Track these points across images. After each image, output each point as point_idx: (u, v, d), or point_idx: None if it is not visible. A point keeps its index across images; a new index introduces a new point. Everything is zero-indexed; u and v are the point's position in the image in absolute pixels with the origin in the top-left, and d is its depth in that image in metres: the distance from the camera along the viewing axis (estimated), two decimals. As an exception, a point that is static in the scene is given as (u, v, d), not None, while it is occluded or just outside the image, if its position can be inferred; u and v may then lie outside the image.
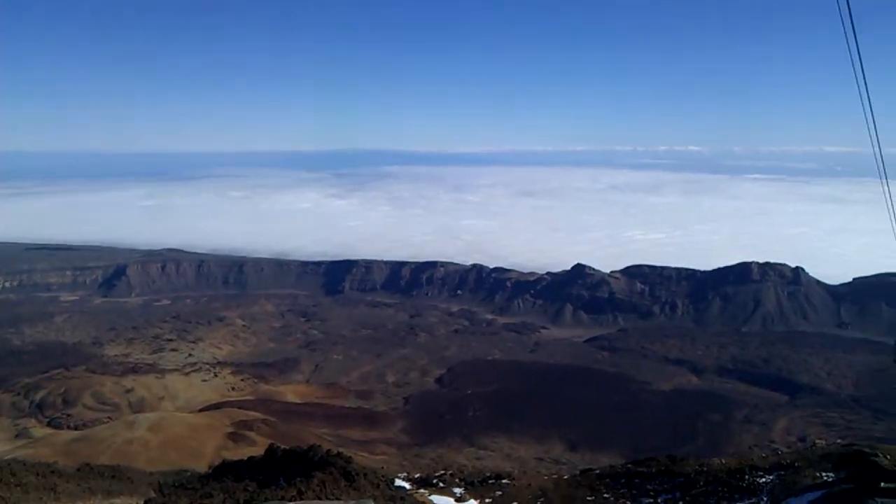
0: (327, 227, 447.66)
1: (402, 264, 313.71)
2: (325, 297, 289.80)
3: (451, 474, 55.15)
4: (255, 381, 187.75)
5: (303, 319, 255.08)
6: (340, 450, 46.63)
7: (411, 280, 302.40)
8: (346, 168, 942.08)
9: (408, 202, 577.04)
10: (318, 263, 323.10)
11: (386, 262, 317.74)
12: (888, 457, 44.78)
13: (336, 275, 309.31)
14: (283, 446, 45.70)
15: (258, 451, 52.25)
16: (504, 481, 51.89)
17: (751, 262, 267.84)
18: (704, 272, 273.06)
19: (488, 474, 55.70)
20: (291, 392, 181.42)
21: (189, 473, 52.22)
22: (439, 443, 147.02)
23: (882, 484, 40.21)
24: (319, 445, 44.02)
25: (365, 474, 39.86)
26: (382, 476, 43.73)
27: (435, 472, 58.71)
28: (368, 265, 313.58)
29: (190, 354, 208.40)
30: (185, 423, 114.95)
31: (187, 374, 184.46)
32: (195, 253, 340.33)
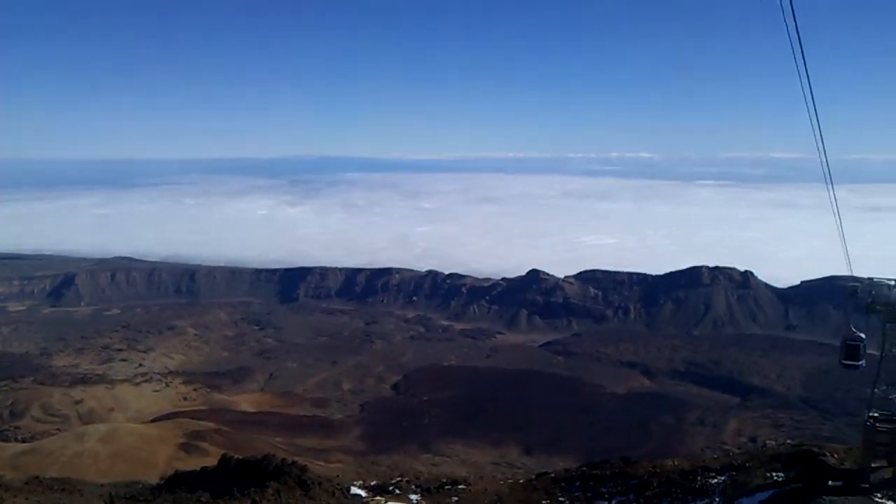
0: (282, 235, 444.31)
1: (357, 271, 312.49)
2: (280, 305, 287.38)
3: (407, 481, 55.13)
4: (208, 390, 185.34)
5: (256, 328, 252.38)
6: (295, 459, 46.36)
7: (367, 287, 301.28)
8: (301, 175, 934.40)
9: (364, 209, 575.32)
10: (273, 271, 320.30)
11: (341, 269, 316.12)
12: (836, 456, 46.02)
13: (290, 282, 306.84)
14: (236, 456, 45.38)
15: (211, 461, 51.68)
16: (460, 487, 52.04)
17: (701, 267, 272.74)
18: (656, 277, 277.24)
19: (444, 480, 55.79)
20: (245, 401, 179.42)
21: (141, 485, 51.41)
22: (395, 450, 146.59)
23: (830, 482, 41.29)
24: (274, 455, 43.76)
25: (320, 483, 39.72)
26: (338, 484, 43.56)
27: (391, 479, 58.60)
28: (323, 272, 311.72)
29: (141, 364, 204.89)
30: (137, 435, 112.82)
31: (138, 384, 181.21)
32: (146, 261, 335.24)
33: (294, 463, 41.27)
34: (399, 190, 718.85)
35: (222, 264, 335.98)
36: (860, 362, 38.11)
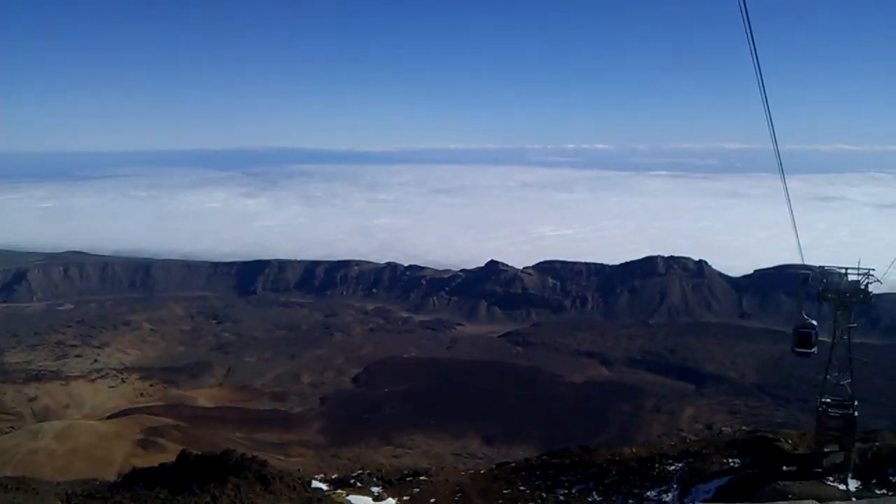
0: (238, 227, 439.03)
1: (315, 264, 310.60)
2: (237, 299, 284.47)
3: (368, 473, 55.20)
4: (165, 386, 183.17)
5: (214, 322, 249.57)
6: (255, 453, 46.08)
7: (325, 279, 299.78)
8: (257, 167, 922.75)
9: (321, 201, 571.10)
10: (230, 264, 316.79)
11: (299, 262, 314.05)
12: (790, 441, 47.07)
13: (248, 275, 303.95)
14: (195, 452, 44.91)
15: (170, 457, 51.12)
16: (422, 478, 52.22)
17: (656, 256, 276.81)
18: (612, 266, 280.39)
19: (406, 472, 55.98)
20: (203, 396, 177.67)
21: (98, 483, 50.64)
22: (356, 442, 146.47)
23: (784, 468, 42.21)
24: (233, 450, 43.42)
25: (281, 477, 39.54)
26: (299, 478, 43.41)
27: (352, 472, 58.69)
28: (281, 265, 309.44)
29: (95, 360, 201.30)
30: (93, 431, 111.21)
31: (93, 380, 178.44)
32: (99, 255, 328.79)
33: (254, 458, 41.03)
34: (356, 181, 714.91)
35: (177, 258, 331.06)
36: (812, 350, 38.72)
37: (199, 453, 44.08)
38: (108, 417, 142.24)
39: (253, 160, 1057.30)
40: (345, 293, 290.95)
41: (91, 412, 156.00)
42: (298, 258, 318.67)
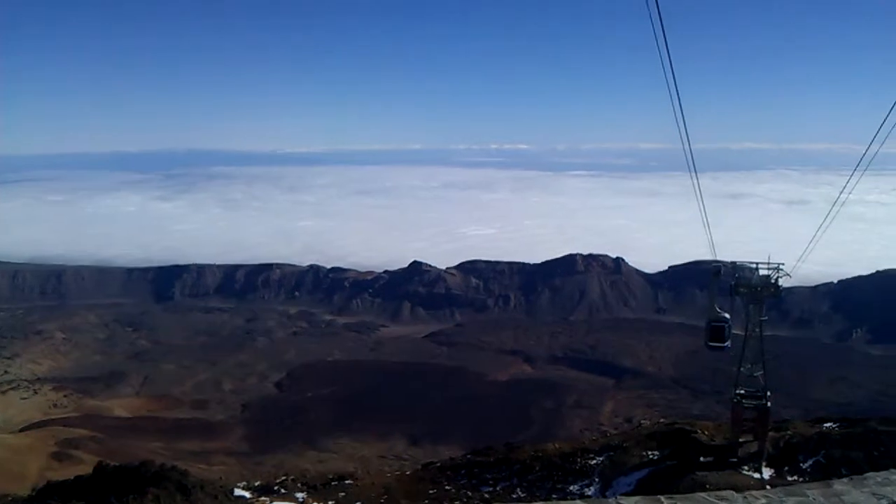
0: (154, 232, 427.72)
1: (236, 267, 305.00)
2: (154, 305, 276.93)
3: (292, 479, 54.70)
4: (80, 396, 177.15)
5: (130, 329, 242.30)
6: (175, 463, 45.13)
7: (246, 283, 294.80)
8: (173, 169, 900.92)
9: (241, 203, 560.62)
10: (146, 270, 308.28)
11: (219, 266, 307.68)
12: (706, 433, 48.53)
13: (165, 281, 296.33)
14: (113, 463, 43.74)
15: (86, 470, 49.61)
16: (347, 482, 52.01)
17: (576, 254, 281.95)
18: (534, 265, 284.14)
19: (331, 476, 55.64)
20: (120, 406, 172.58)
21: (10, 498, 48.69)
22: (280, 448, 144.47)
23: (702, 458, 43.49)
24: (152, 460, 42.48)
25: (202, 487, 38.81)
26: (221, 487, 42.74)
27: (276, 478, 57.96)
28: (200, 270, 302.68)
29: (6, 371, 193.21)
30: (5, 445, 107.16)
31: (4, 392, 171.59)
32: (8, 262, 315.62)
33: (174, 467, 40.19)
34: (277, 183, 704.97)
35: (91, 264, 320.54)
36: (726, 343, 40.21)
37: (117, 465, 42.95)
38: (21, 430, 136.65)
39: (174, 162, 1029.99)
40: (266, 297, 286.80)
41: (2, 425, 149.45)
42: (218, 262, 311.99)
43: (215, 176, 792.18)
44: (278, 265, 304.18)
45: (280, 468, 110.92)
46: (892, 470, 8.75)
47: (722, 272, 41.16)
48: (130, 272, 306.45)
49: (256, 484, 53.45)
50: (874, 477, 8.45)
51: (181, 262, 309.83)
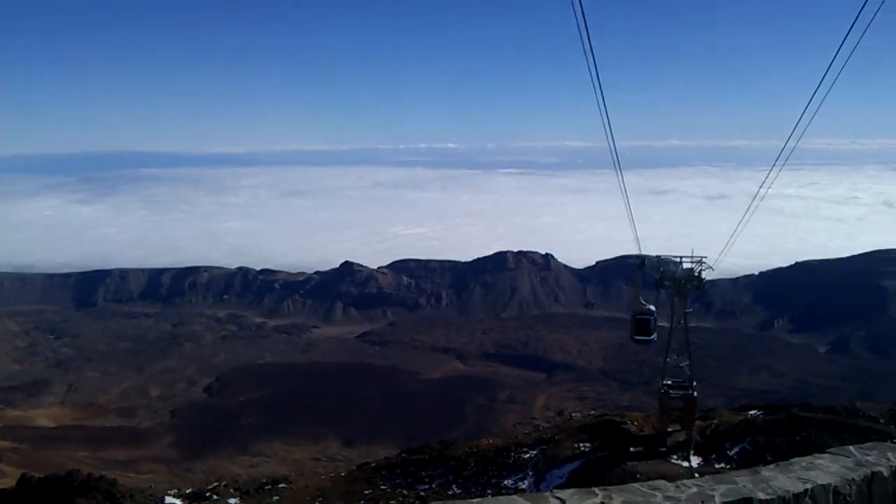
0: (75, 236, 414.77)
1: (161, 271, 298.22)
2: (76, 311, 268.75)
3: (224, 485, 53.86)
4: (1, 407, 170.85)
5: (52, 337, 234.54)
6: (103, 473, 44.02)
7: (172, 287, 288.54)
8: (94, 172, 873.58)
9: (166, 206, 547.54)
10: (67, 275, 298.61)
11: (143, 270, 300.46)
12: (635, 423, 49.52)
13: (87, 286, 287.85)
14: (37, 475, 42.51)
15: (9, 482, 48.17)
16: (281, 486, 51.45)
17: (506, 252, 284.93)
18: (465, 263, 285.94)
19: (264, 480, 54.99)
20: (43, 416, 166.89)
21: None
22: (211, 454, 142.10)
23: (632, 449, 44.36)
24: (78, 470, 41.34)
25: (131, 495, 37.96)
26: (151, 495, 41.87)
27: (208, 484, 57.01)
28: (124, 274, 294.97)
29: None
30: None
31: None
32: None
33: (101, 477, 39.21)
34: (203, 185, 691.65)
35: (9, 270, 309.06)
36: (651, 336, 41.23)
37: (42, 476, 41.75)
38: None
39: (96, 165, 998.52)
40: (194, 301, 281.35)
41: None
42: (142, 266, 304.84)
43: (138, 178, 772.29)
44: (205, 268, 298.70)
45: (211, 474, 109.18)
46: (816, 455, 9.09)
47: (646, 264, 42.03)
48: (51, 278, 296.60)
49: (188, 491, 52.47)
50: (799, 462, 8.77)
51: (104, 266, 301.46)
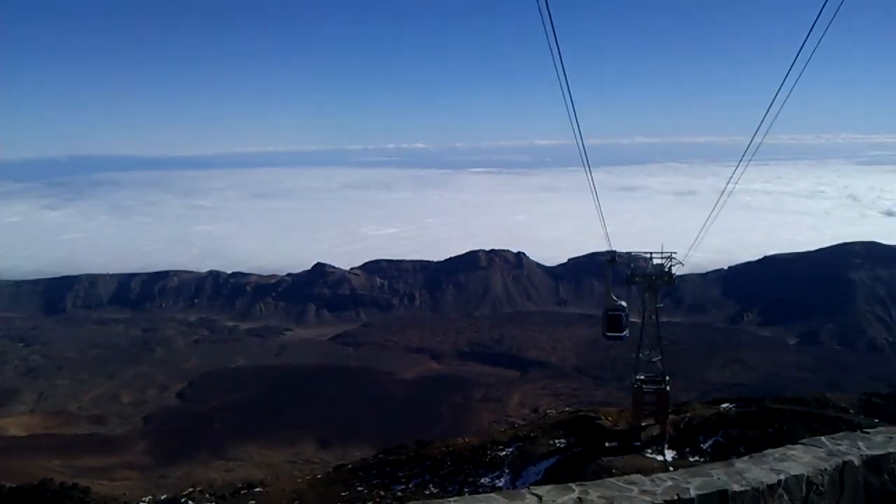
0: (43, 242, 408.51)
1: (131, 276, 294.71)
2: (45, 318, 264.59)
3: (200, 491, 53.52)
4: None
5: (21, 344, 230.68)
6: (76, 481, 43.57)
7: (142, 292, 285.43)
8: (59, 176, 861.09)
9: (133, 210, 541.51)
10: (34, 282, 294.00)
11: (113, 275, 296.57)
12: (610, 419, 49.90)
13: (56, 293, 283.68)
14: (9, 484, 41.93)
15: (-22, 495, 47.24)
16: (257, 489, 51.23)
17: (478, 251, 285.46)
18: (437, 263, 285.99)
19: (240, 485, 54.73)
20: (14, 425, 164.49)
21: None
22: (186, 460, 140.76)
23: (607, 444, 44.68)
24: (51, 479, 40.89)
25: (105, 503, 37.55)
26: (125, 502, 41.45)
27: (183, 490, 56.53)
28: (93, 280, 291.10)
29: None
30: None
31: None
32: None
33: (75, 485, 38.79)
34: (170, 188, 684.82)
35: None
36: (624, 333, 41.39)
37: (14, 485, 41.19)
38: None
39: (55, 170, 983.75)
40: (164, 305, 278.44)
41: None
42: (111, 271, 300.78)
43: (103, 182, 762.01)
44: (175, 272, 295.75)
45: (186, 480, 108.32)
46: (789, 446, 9.25)
47: (616, 259, 42.18)
48: (19, 285, 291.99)
49: (163, 497, 52.06)
50: (772, 454, 8.92)
51: (72, 272, 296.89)
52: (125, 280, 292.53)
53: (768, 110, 20.57)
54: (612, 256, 41.93)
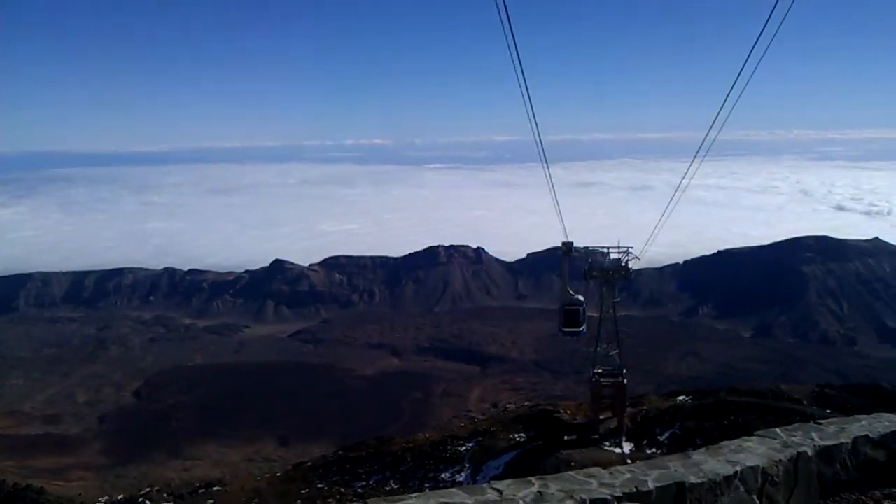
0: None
1: (84, 274, 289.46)
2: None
3: (157, 490, 53.09)
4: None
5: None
6: (30, 482, 42.78)
7: (96, 290, 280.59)
8: (10, 173, 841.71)
9: (86, 206, 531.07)
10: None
11: (65, 273, 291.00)
12: (569, 412, 50.33)
13: (7, 291, 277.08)
14: (-42, 489, 40.89)
15: (-73, 499, 46.12)
16: (216, 488, 50.84)
17: (437, 246, 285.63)
18: (397, 258, 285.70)
19: (198, 484, 54.26)
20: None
21: None
22: (143, 459, 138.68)
23: (566, 437, 45.04)
24: (4, 480, 40.10)
25: (61, 505, 36.94)
26: (81, 503, 40.81)
27: (140, 490, 55.96)
28: (45, 278, 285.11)
29: None
30: None
31: None
32: None
33: (28, 486, 38.11)
34: (124, 184, 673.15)
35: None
36: (581, 328, 41.32)
37: (-37, 490, 40.19)
38: None
39: (5, 166, 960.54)
40: (119, 303, 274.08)
41: None
42: (64, 269, 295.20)
43: (55, 179, 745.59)
44: (130, 269, 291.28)
45: (144, 480, 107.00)
46: (744, 438, 9.42)
47: (573, 251, 42.30)
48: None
49: (119, 497, 51.46)
50: (728, 445, 9.08)
51: (24, 270, 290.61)
52: (79, 278, 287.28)
53: (722, 106, 20.86)
54: (568, 248, 41.89)
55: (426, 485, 43.68)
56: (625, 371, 43.57)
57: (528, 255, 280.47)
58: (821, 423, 10.05)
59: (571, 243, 41.89)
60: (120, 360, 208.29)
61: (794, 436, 9.47)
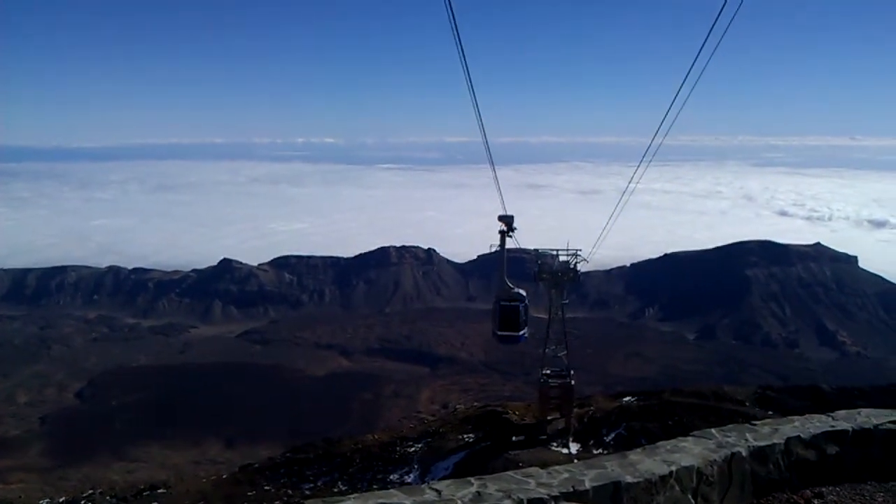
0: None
1: (26, 272, 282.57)
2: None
3: (100, 493, 52.13)
4: None
5: None
6: (-35, 487, 41.76)
7: (38, 288, 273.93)
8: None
9: (29, 202, 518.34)
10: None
11: (6, 271, 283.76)
12: (517, 413, 50.66)
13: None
14: None
15: None
16: (160, 491, 50.10)
17: (389, 247, 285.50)
18: (348, 259, 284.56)
19: (142, 486, 53.37)
20: None
21: None
22: (85, 461, 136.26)
23: (514, 438, 45.34)
24: (-63, 486, 39.11)
25: (-2, 509, 36.19)
26: (20, 508, 39.98)
27: (82, 492, 54.87)
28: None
29: None
30: None
31: None
32: None
33: (-36, 492, 37.14)
34: (67, 180, 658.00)
35: None
36: (521, 332, 36.90)
37: None
38: None
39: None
40: (62, 302, 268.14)
41: None
42: (5, 266, 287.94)
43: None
44: (73, 267, 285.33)
45: (86, 482, 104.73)
46: (680, 438, 9.66)
47: (513, 228, 36.33)
48: None
49: (61, 500, 50.48)
50: (664, 445, 9.31)
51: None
52: (20, 275, 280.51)
53: (668, 112, 21.23)
54: (508, 223, 35.61)
55: (374, 486, 43.57)
56: (572, 372, 44.02)
57: (479, 256, 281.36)
58: (755, 424, 10.34)
59: (512, 217, 35.46)
60: (63, 360, 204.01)
61: (729, 436, 9.73)
